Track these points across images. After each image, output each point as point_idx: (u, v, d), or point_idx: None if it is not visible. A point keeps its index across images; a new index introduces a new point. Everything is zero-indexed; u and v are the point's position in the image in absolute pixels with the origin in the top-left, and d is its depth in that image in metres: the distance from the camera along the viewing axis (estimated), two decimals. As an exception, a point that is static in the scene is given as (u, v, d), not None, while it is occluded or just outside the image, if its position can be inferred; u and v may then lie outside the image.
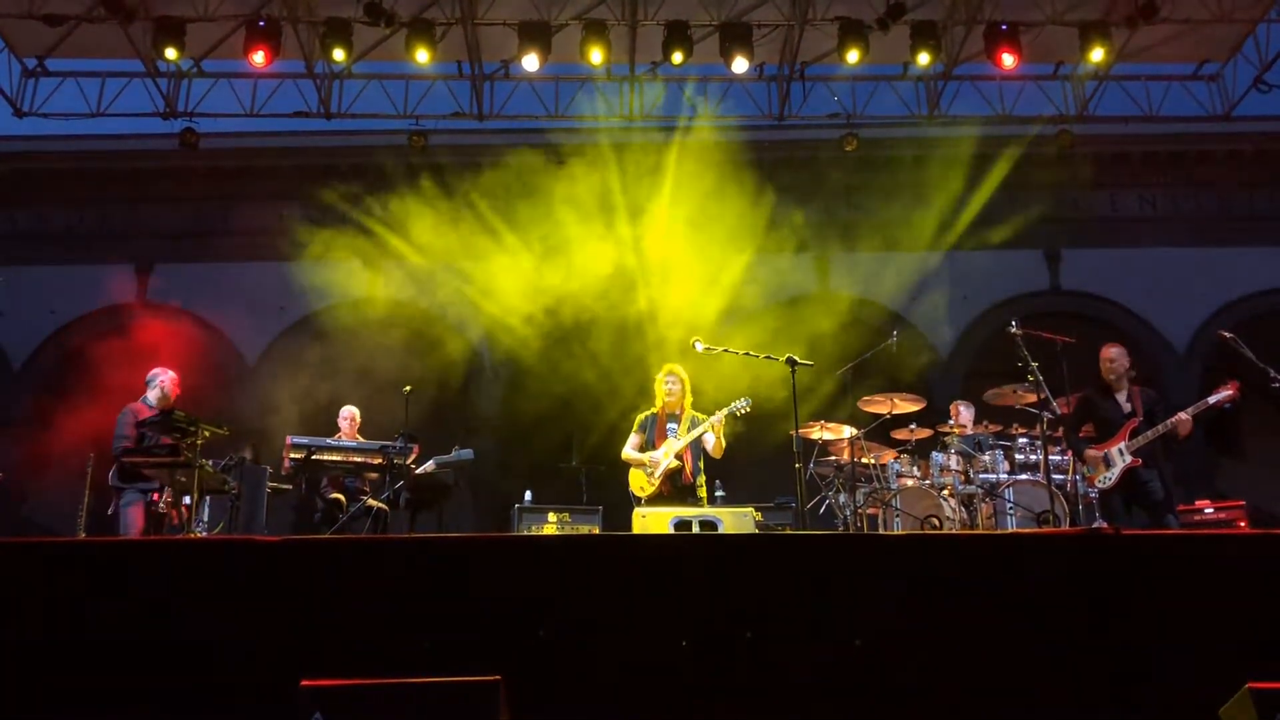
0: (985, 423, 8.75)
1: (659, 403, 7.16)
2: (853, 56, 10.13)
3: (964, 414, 8.77)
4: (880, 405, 8.46)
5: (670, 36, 10.16)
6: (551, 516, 9.23)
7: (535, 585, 4.07)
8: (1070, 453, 7.37)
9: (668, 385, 7.11)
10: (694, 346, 7.10)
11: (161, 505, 7.17)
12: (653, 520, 6.28)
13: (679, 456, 6.83)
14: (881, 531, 7.85)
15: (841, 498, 8.34)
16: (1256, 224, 15.06)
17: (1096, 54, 10.22)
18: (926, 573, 4.16)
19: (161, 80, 11.34)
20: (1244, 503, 9.09)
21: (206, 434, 6.82)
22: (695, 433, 6.86)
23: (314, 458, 8.04)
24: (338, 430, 8.82)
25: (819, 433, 8.35)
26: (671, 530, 6.15)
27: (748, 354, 7.21)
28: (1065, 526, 6.90)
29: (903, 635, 3.97)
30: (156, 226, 15.03)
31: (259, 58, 10.01)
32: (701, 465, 6.99)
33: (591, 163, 12.56)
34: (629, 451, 7.05)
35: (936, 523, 7.68)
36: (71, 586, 4.03)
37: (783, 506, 9.26)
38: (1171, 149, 15.02)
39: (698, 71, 11.54)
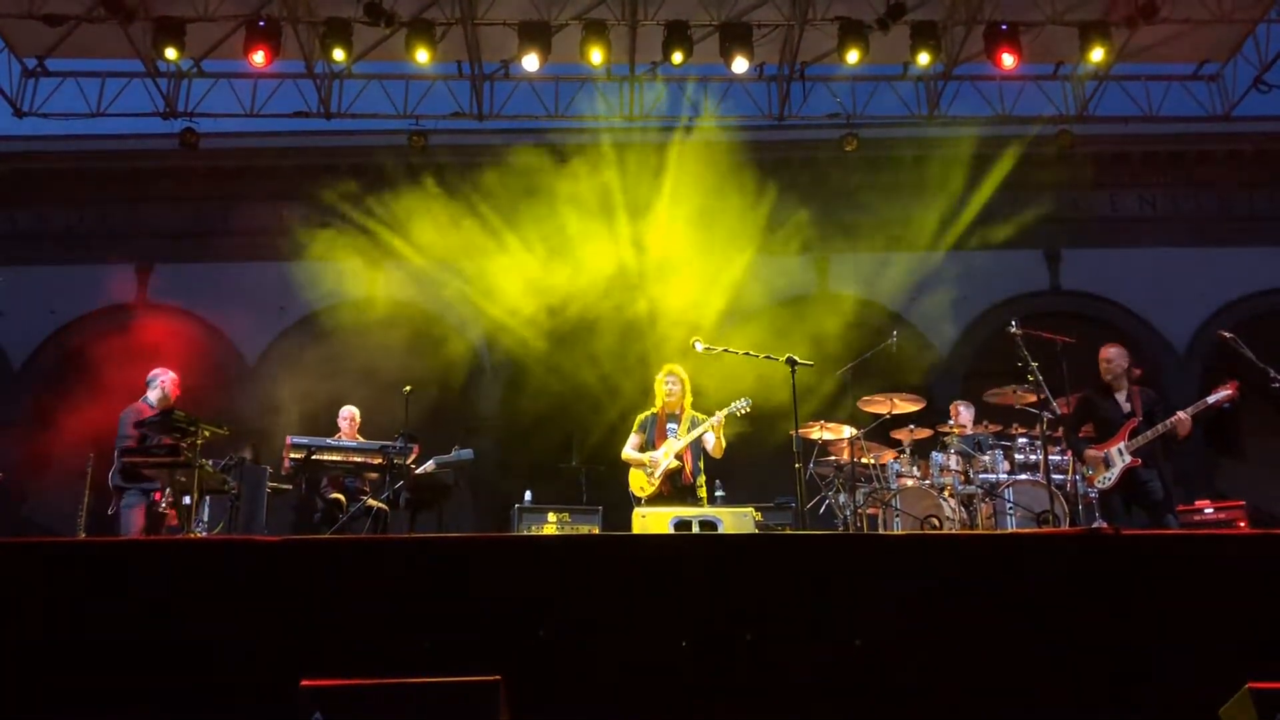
0: (985, 423, 8.75)
1: (659, 403, 7.16)
2: (853, 56, 10.13)
3: (964, 414, 8.77)
4: (880, 405, 8.46)
5: (670, 36, 10.16)
6: (551, 516, 9.23)
7: (535, 585, 4.07)
8: (1070, 453, 7.38)
9: (668, 385, 7.11)
10: (694, 346, 7.10)
11: (163, 505, 7.17)
12: (653, 520, 6.28)
13: (679, 457, 6.83)
14: (881, 531, 7.85)
15: (841, 498, 8.34)
16: (1256, 224, 15.06)
17: (1096, 54, 10.22)
18: (926, 573, 4.16)
19: (161, 80, 11.34)
20: (1244, 503, 9.09)
21: (206, 434, 6.83)
22: (695, 433, 6.86)
23: (314, 458, 8.04)
24: (338, 430, 8.83)
25: (819, 433, 8.34)
26: (671, 530, 6.15)
27: (747, 354, 7.21)
28: (1065, 526, 6.90)
29: (903, 635, 3.97)
30: (156, 226, 15.03)
31: (259, 58, 10.01)
32: (702, 465, 6.99)
33: (592, 163, 12.56)
34: (629, 452, 7.05)
35: (936, 523, 7.68)
36: (71, 586, 4.03)
37: (783, 506, 9.27)
38: (1171, 149, 15.02)
39: (698, 71, 11.53)
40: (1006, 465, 8.03)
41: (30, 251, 14.78)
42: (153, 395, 7.65)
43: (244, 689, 3.79)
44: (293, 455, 8.02)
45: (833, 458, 8.58)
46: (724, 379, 8.11)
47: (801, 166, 14.32)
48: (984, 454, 8.13)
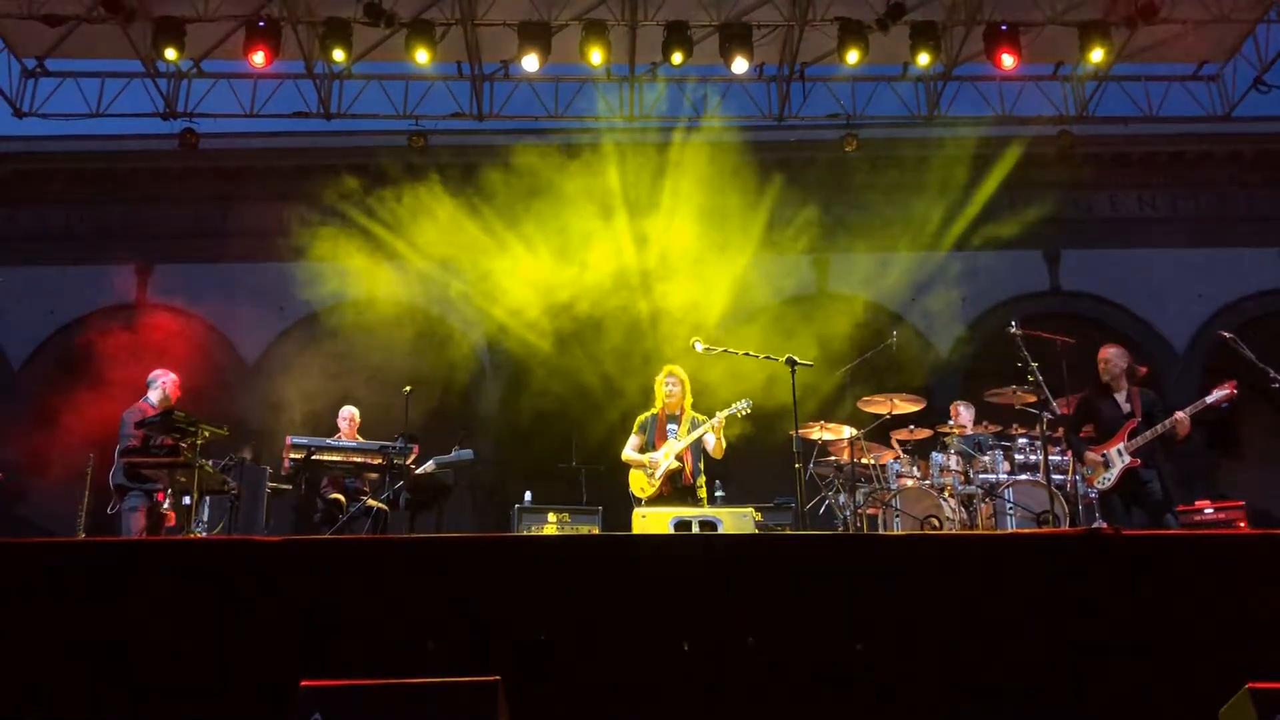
0: (985, 423, 8.75)
1: (659, 404, 7.15)
2: (853, 57, 10.13)
3: (964, 414, 8.77)
4: (880, 405, 8.45)
5: (670, 37, 10.16)
6: (551, 517, 9.23)
7: (535, 585, 4.07)
8: (1070, 453, 7.38)
9: (668, 386, 7.11)
10: (694, 347, 7.10)
11: (166, 505, 7.18)
12: (653, 520, 6.28)
13: (679, 458, 6.83)
14: (881, 532, 7.85)
15: (841, 498, 8.34)
16: (1256, 224, 15.06)
17: (1096, 54, 10.22)
18: (926, 573, 4.16)
19: (161, 80, 11.34)
20: (1244, 503, 9.10)
21: (206, 434, 6.83)
22: (695, 434, 6.86)
23: (314, 458, 8.04)
24: (337, 431, 8.83)
25: (819, 433, 8.34)
26: (671, 530, 6.15)
27: (747, 354, 7.21)
28: (1065, 526, 6.90)
29: (902, 635, 3.97)
30: (156, 226, 15.04)
31: (259, 58, 10.01)
32: (702, 466, 6.99)
33: (592, 163, 12.57)
34: (629, 453, 7.05)
35: (936, 523, 7.68)
36: (71, 586, 4.03)
37: (783, 507, 9.27)
38: (1171, 149, 15.04)
39: (698, 72, 11.52)
40: (1006, 465, 8.03)
41: (30, 251, 14.78)
42: (154, 396, 7.66)
43: (244, 689, 3.79)
44: (292, 455, 8.02)
45: (833, 458, 8.57)
46: (732, 378, 8.12)
47: (801, 167, 14.32)
48: (984, 454, 8.13)
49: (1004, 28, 10.16)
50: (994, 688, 3.90)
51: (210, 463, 7.24)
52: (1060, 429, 7.34)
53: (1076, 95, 11.72)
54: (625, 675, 3.88)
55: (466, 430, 10.38)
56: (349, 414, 8.87)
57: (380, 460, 8.13)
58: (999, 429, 8.67)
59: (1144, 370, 7.10)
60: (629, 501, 6.94)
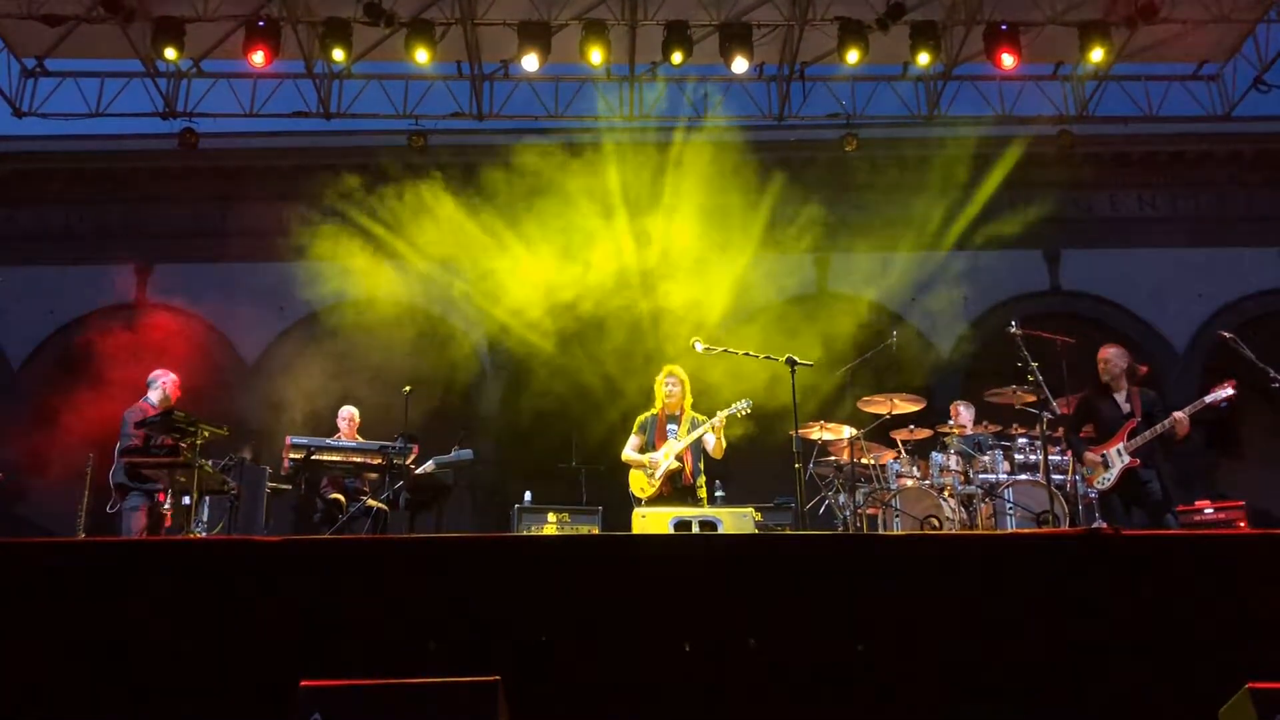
0: (985, 423, 8.75)
1: (659, 404, 7.15)
2: (853, 56, 10.13)
3: (964, 414, 8.77)
4: (880, 405, 8.46)
5: (670, 36, 10.16)
6: (551, 517, 9.23)
7: (535, 585, 4.07)
8: (1070, 453, 7.37)
9: (667, 386, 7.11)
10: (694, 347, 7.10)
11: (166, 505, 7.18)
12: (653, 520, 6.28)
13: (679, 458, 6.83)
14: (881, 532, 7.85)
15: (841, 498, 8.34)
16: (1256, 224, 15.07)
17: (1096, 54, 10.22)
18: (925, 573, 4.16)
19: (161, 80, 11.34)
20: (1244, 503, 9.10)
21: (206, 434, 6.83)
22: (695, 434, 6.86)
23: (313, 458, 8.04)
24: (337, 431, 8.83)
25: (819, 433, 8.34)
26: (671, 530, 6.15)
27: (747, 354, 7.20)
28: (1065, 526, 6.89)
29: (902, 635, 3.97)
30: (156, 226, 15.04)
31: (258, 58, 10.01)
32: (702, 466, 6.99)
33: (592, 163, 12.56)
34: (629, 453, 7.04)
35: (936, 523, 7.68)
36: (71, 586, 4.03)
37: (783, 506, 9.27)
38: (1171, 149, 15.04)
39: (698, 71, 11.53)
40: (1006, 465, 8.03)
41: (30, 251, 14.78)
42: (154, 396, 7.66)
43: (244, 689, 3.79)
44: (292, 455, 8.02)
45: (833, 458, 8.57)
46: (733, 378, 8.12)
47: (801, 167, 14.32)
48: (984, 454, 8.13)
49: (1004, 27, 10.16)
50: (994, 688, 3.90)
51: (210, 463, 7.24)
52: (1060, 429, 7.34)
53: (1076, 95, 11.72)
54: (625, 675, 3.88)
55: (466, 430, 10.37)
56: (349, 414, 8.86)
57: (380, 460, 8.13)
58: (999, 429, 8.67)
59: (1144, 370, 7.10)
60: (629, 501, 6.94)
